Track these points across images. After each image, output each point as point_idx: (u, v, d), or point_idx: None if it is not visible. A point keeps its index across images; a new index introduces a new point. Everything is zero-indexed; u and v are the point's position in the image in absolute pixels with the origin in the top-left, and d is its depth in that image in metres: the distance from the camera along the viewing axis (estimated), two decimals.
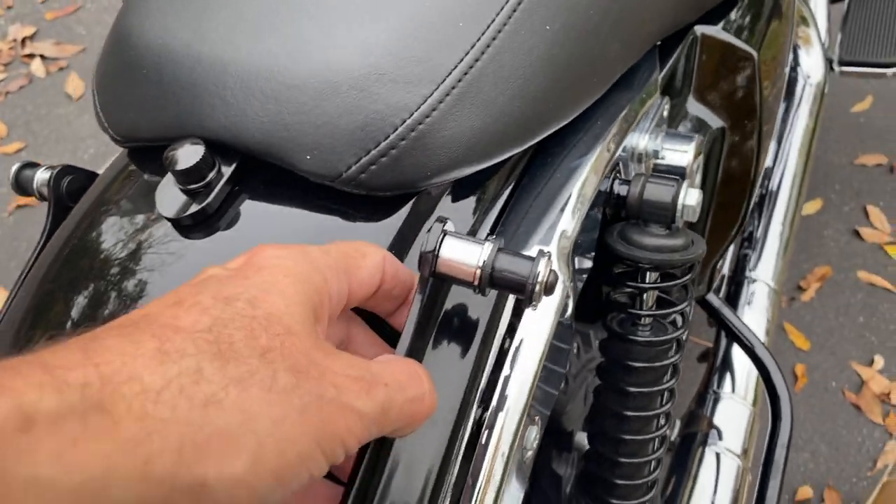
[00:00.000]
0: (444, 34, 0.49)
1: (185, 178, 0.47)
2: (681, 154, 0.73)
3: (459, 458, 0.45)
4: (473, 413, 0.47)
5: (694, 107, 0.87)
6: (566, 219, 0.56)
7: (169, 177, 0.50)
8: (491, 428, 0.48)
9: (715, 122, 0.88)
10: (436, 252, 0.40)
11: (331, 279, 0.36)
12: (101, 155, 2.25)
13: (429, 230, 0.41)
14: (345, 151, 0.47)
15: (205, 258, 0.48)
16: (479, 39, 0.49)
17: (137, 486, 0.25)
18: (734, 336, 1.00)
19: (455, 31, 0.49)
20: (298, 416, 0.29)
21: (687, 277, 0.66)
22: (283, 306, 0.32)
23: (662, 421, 0.71)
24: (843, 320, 1.84)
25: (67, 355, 0.26)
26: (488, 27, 0.50)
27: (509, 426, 0.49)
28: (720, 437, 1.03)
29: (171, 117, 0.50)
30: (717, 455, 1.01)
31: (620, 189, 0.64)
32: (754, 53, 0.87)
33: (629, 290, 0.67)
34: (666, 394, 0.70)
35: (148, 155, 0.55)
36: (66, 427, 0.24)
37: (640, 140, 0.70)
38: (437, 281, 0.42)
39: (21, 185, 0.62)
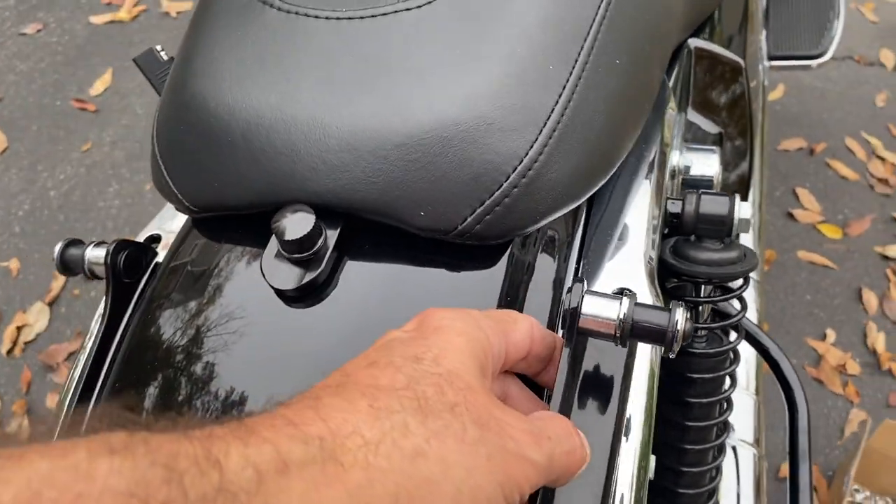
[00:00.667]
0: (538, 77, 0.49)
1: (297, 247, 0.46)
2: (707, 166, 0.75)
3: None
4: (621, 458, 0.47)
5: (693, 117, 0.90)
6: (646, 247, 0.58)
7: (272, 246, 0.48)
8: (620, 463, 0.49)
9: (713, 128, 0.91)
10: (579, 310, 0.42)
11: (493, 339, 0.39)
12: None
13: (569, 290, 0.43)
14: (460, 204, 0.47)
15: (322, 327, 0.47)
16: (568, 79, 0.50)
17: None
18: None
19: (548, 73, 0.49)
20: (486, 465, 0.32)
21: (742, 289, 0.68)
22: (461, 364, 0.35)
23: (722, 429, 0.73)
24: (792, 299, 1.93)
25: (303, 412, 0.30)
26: (574, 65, 0.51)
27: (638, 461, 0.50)
28: (733, 430, 1.07)
29: (265, 184, 0.48)
30: (734, 448, 1.04)
31: (673, 207, 0.66)
32: (741, 62, 0.91)
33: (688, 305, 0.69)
34: (724, 403, 0.72)
35: (225, 223, 0.53)
36: (311, 473, 0.27)
37: (672, 157, 0.72)
38: (578, 337, 0.43)
39: (67, 265, 0.59)
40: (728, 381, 0.72)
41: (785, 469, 1.58)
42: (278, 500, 0.26)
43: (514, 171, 0.47)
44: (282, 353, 0.47)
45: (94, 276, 0.58)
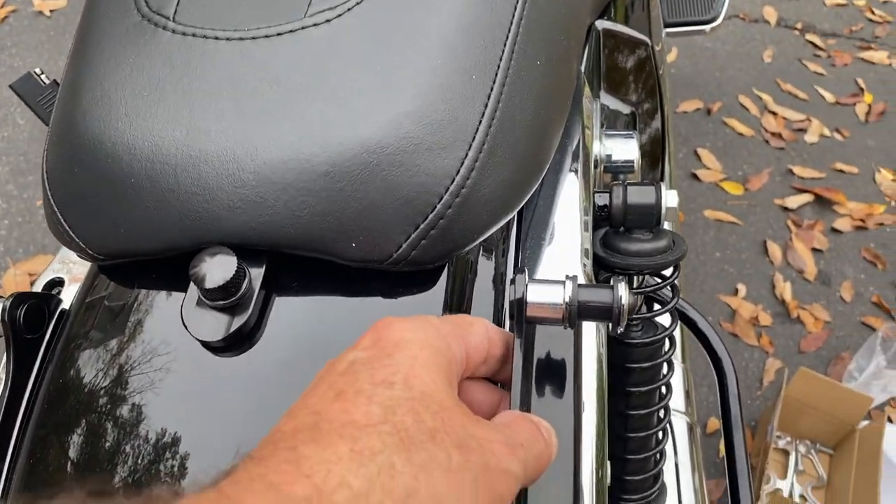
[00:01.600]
0: (462, 89, 0.46)
1: (220, 294, 0.42)
2: (627, 152, 0.75)
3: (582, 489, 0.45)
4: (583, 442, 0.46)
5: (606, 100, 0.89)
6: (581, 240, 0.57)
7: (192, 293, 0.44)
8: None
9: (625, 109, 0.91)
10: (525, 299, 0.41)
11: (454, 346, 0.38)
12: None
13: (512, 282, 0.42)
14: (393, 231, 0.44)
15: (256, 375, 0.44)
16: (493, 88, 0.48)
17: None
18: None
19: (471, 84, 0.47)
20: (473, 488, 0.31)
21: (674, 276, 0.68)
22: (432, 382, 0.34)
23: (662, 415, 0.74)
24: (703, 258, 1.99)
25: (281, 468, 0.28)
26: (497, 73, 0.48)
27: (596, 443, 0.49)
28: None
29: (178, 227, 0.44)
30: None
31: (600, 200, 0.65)
32: (647, 40, 0.91)
33: None
34: (664, 388, 0.72)
35: (137, 266, 0.49)
36: None
37: (594, 147, 0.71)
38: (527, 326, 0.43)
39: None
40: (666, 367, 0.72)
41: (711, 424, 1.63)
42: None
43: (446, 191, 0.45)
44: (214, 408, 0.43)
45: None
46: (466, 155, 0.45)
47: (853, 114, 2.42)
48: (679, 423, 1.07)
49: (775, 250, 2.01)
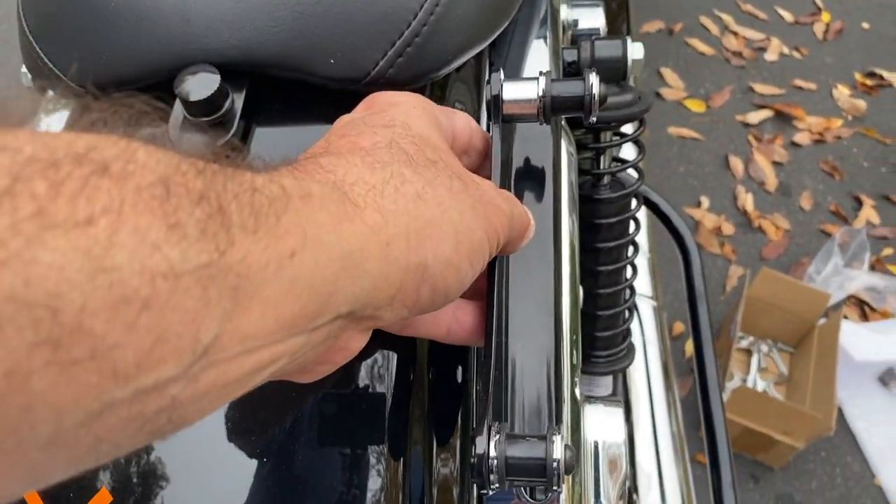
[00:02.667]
0: None
1: (204, 109, 0.44)
2: (593, 19, 0.76)
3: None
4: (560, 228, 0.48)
5: None
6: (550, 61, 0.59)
7: (178, 113, 0.45)
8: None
9: None
10: (501, 95, 0.43)
11: (441, 118, 0.39)
12: None
13: (488, 81, 0.43)
14: (369, 48, 0.45)
15: None
16: None
17: (381, 264, 0.28)
18: None
19: None
20: (472, 211, 0.33)
21: (639, 131, 0.70)
22: (426, 129, 0.36)
23: (630, 271, 0.77)
24: (667, 173, 2.02)
25: (305, 166, 0.29)
26: None
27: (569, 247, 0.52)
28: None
29: (159, 51, 0.45)
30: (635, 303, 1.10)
31: (569, 56, 0.66)
32: None
33: (587, 154, 0.71)
34: (631, 245, 0.75)
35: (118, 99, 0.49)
36: (331, 206, 0.27)
37: (561, 12, 0.72)
38: (505, 125, 0.44)
39: None
40: (633, 224, 0.75)
41: (677, 328, 1.69)
42: (307, 221, 0.25)
43: (420, 7, 0.46)
44: None
45: None
46: None
47: (811, 32, 2.45)
48: (646, 307, 1.11)
49: (737, 164, 2.05)
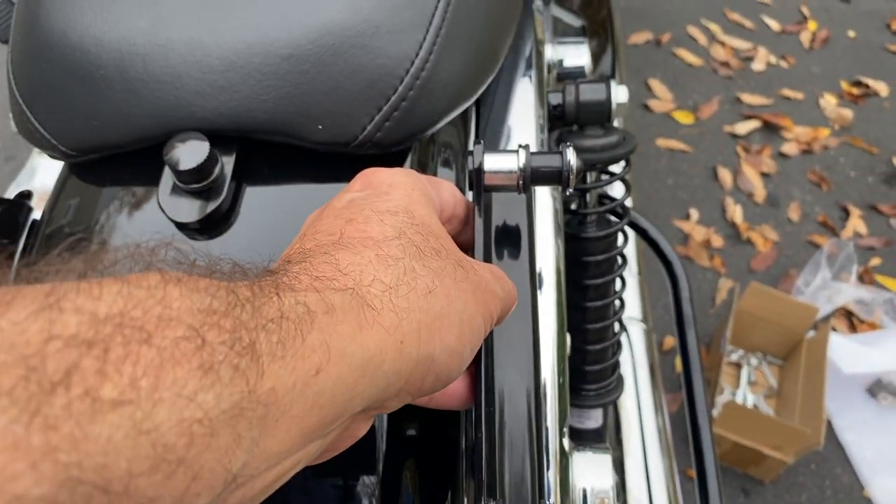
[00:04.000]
0: None
1: (194, 176, 0.44)
2: (577, 57, 0.77)
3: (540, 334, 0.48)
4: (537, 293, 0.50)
5: (556, 11, 0.92)
6: (537, 141, 0.59)
7: (167, 179, 0.46)
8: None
9: (576, 21, 0.93)
10: (482, 168, 0.45)
11: (433, 196, 0.41)
12: None
13: (470, 153, 0.45)
14: (357, 113, 0.46)
15: (231, 256, 0.46)
16: None
17: (395, 362, 0.30)
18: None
19: None
20: (473, 299, 0.35)
21: (625, 171, 0.71)
22: (427, 216, 0.37)
23: (618, 304, 0.78)
24: (656, 185, 2.04)
25: (322, 268, 0.30)
26: None
27: (556, 316, 0.53)
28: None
29: (149, 116, 0.46)
30: (624, 326, 1.11)
31: (554, 99, 0.67)
32: None
33: (574, 192, 0.72)
34: (618, 280, 0.76)
35: (107, 165, 0.50)
36: (352, 317, 0.28)
37: (546, 52, 0.73)
38: (485, 193, 0.46)
39: None
40: (620, 260, 0.76)
41: (668, 342, 1.70)
42: (331, 336, 0.27)
43: (406, 73, 0.46)
44: None
45: None
46: (424, 38, 0.47)
47: (798, 41, 2.47)
48: (636, 330, 1.12)
49: (725, 175, 2.07)
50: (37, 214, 0.56)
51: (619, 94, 0.66)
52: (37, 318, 0.20)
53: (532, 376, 0.43)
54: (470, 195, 0.47)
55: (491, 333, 0.43)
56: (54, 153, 0.50)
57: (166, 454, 0.20)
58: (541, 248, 0.54)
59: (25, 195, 0.61)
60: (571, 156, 0.44)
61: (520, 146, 0.45)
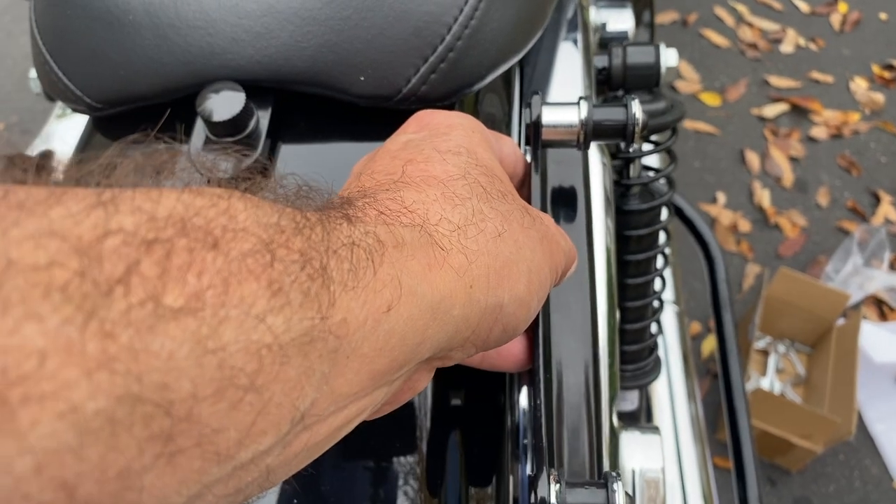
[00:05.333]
0: None
1: (229, 129, 0.41)
2: (621, 21, 0.74)
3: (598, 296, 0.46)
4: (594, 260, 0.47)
5: None
6: (585, 86, 0.56)
7: (199, 132, 0.43)
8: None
9: None
10: (539, 121, 0.42)
11: (494, 145, 0.38)
12: None
13: (528, 105, 0.42)
14: (402, 64, 0.43)
15: None
16: None
17: (464, 307, 0.28)
18: None
19: None
20: (540, 248, 0.33)
21: (671, 140, 0.67)
22: (490, 159, 0.35)
23: (659, 283, 0.75)
24: (683, 168, 1.99)
25: (388, 205, 0.28)
26: None
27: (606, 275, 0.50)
28: None
29: (180, 64, 0.43)
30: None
31: (599, 62, 0.64)
32: None
33: (617, 162, 0.68)
34: (660, 257, 0.73)
35: (133, 118, 0.47)
36: (421, 255, 0.26)
37: (590, 15, 0.70)
38: (542, 151, 0.43)
39: None
40: (663, 235, 0.72)
41: (692, 328, 1.66)
42: (402, 271, 0.25)
43: (455, 21, 0.43)
44: None
45: None
46: None
47: (828, 23, 2.41)
48: (669, 313, 1.09)
49: (753, 159, 2.02)
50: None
51: (669, 57, 0.63)
52: (90, 213, 0.17)
53: (591, 346, 0.40)
54: (527, 154, 0.44)
55: (548, 296, 0.40)
56: (79, 106, 0.47)
57: (234, 379, 0.18)
58: (594, 220, 0.51)
59: (46, 155, 0.59)
60: (637, 108, 0.41)
61: (581, 98, 0.41)
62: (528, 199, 0.41)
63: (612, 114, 0.41)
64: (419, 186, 0.30)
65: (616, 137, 0.42)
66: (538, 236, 0.33)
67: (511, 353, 0.38)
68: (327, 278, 0.21)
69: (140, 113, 0.47)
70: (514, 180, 0.41)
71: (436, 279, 0.26)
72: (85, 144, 0.49)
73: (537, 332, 0.38)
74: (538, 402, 0.36)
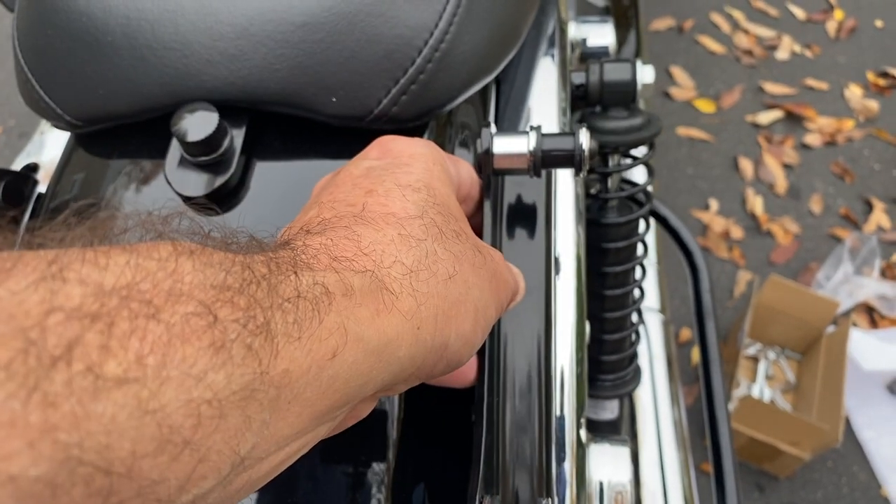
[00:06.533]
0: None
1: (203, 148, 0.42)
2: (602, 37, 0.75)
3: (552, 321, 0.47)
4: (552, 278, 0.48)
5: None
6: (558, 121, 0.57)
7: (175, 152, 0.44)
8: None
9: (599, 1, 0.91)
10: (490, 151, 0.43)
11: (452, 173, 0.39)
12: None
13: (478, 135, 0.43)
14: (373, 85, 0.44)
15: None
16: None
17: (410, 348, 0.28)
18: None
19: None
20: (488, 286, 0.34)
21: (648, 154, 0.68)
22: (448, 196, 0.36)
23: (637, 294, 0.76)
24: (676, 175, 2.00)
25: (342, 244, 0.29)
26: None
27: (575, 301, 0.51)
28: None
29: (157, 84, 0.44)
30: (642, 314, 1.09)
31: (577, 78, 0.65)
32: None
33: (595, 176, 0.69)
34: (638, 268, 0.74)
35: (113, 135, 0.48)
36: (370, 301, 0.27)
37: (570, 30, 0.71)
38: (496, 177, 0.44)
39: None
40: (641, 248, 0.73)
41: (684, 334, 1.67)
42: (348, 319, 0.26)
43: (425, 44, 0.44)
44: None
45: None
46: (445, 8, 0.45)
47: (823, 30, 2.42)
48: (653, 320, 1.10)
49: (746, 166, 2.03)
50: (43, 188, 0.55)
51: (645, 74, 0.64)
52: (38, 287, 0.18)
53: (543, 364, 0.41)
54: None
55: (499, 319, 0.41)
56: (59, 123, 0.48)
57: (172, 435, 0.19)
58: (561, 234, 0.52)
59: (32, 168, 0.60)
60: (584, 137, 0.42)
61: (531, 127, 0.43)
62: (481, 223, 0.42)
63: (560, 143, 0.43)
64: (377, 224, 0.31)
65: (565, 165, 0.43)
66: (488, 276, 0.34)
67: (458, 372, 0.39)
68: (270, 332, 0.22)
69: (119, 130, 0.48)
70: (471, 203, 0.42)
71: (383, 324, 0.27)
72: (66, 159, 0.50)
73: (484, 355, 0.39)
74: (480, 427, 0.37)
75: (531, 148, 0.43)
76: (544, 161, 0.43)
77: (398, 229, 0.31)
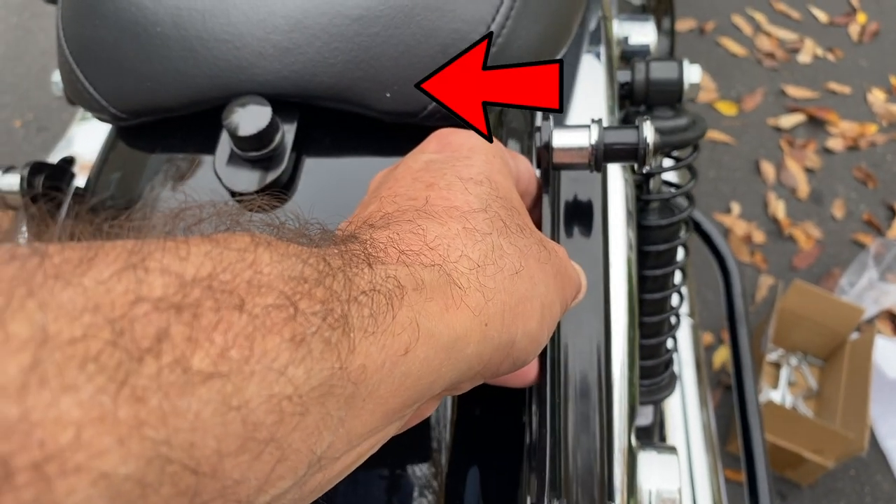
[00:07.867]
0: None
1: (254, 143, 0.41)
2: (643, 35, 0.73)
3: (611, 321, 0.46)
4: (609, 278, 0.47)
5: None
6: (607, 118, 0.56)
7: (224, 146, 0.43)
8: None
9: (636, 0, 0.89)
10: (550, 145, 0.41)
11: (512, 167, 0.38)
12: None
13: (538, 128, 0.42)
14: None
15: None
16: None
17: (478, 345, 0.28)
18: None
19: None
20: (554, 283, 0.33)
21: (692, 156, 0.67)
22: (510, 190, 0.35)
23: (677, 298, 0.74)
24: (699, 178, 1.98)
25: (407, 238, 0.28)
26: None
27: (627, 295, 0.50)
28: None
29: (206, 77, 0.43)
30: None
31: (622, 77, 0.64)
32: None
33: (637, 177, 0.68)
34: (679, 272, 0.73)
35: (155, 130, 0.47)
36: (439, 296, 0.27)
37: (612, 28, 0.69)
38: (555, 172, 0.43)
39: None
40: (681, 251, 0.72)
41: (705, 339, 1.65)
42: (420, 314, 0.25)
43: (481, 38, 0.43)
44: None
45: (6, 206, 0.52)
46: (501, 2, 0.44)
47: (846, 34, 2.40)
48: (683, 325, 1.09)
49: (768, 169, 2.01)
50: (78, 181, 0.54)
51: (692, 73, 0.62)
52: (121, 277, 0.17)
53: (603, 367, 0.40)
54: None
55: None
56: (103, 115, 0.47)
57: (255, 433, 0.19)
58: (612, 236, 0.51)
59: (68, 161, 0.59)
60: (649, 130, 0.41)
61: (592, 120, 0.41)
62: (541, 219, 0.41)
63: (623, 136, 0.41)
64: (441, 218, 0.30)
65: (628, 160, 0.42)
66: (553, 271, 0.33)
67: (521, 371, 0.38)
68: (348, 326, 0.22)
69: (164, 124, 0.47)
70: (528, 199, 0.41)
71: (452, 319, 0.27)
72: (107, 153, 0.50)
73: (546, 354, 0.38)
74: (544, 429, 0.36)
75: (593, 141, 0.41)
76: (606, 155, 0.42)
77: (462, 223, 0.30)
